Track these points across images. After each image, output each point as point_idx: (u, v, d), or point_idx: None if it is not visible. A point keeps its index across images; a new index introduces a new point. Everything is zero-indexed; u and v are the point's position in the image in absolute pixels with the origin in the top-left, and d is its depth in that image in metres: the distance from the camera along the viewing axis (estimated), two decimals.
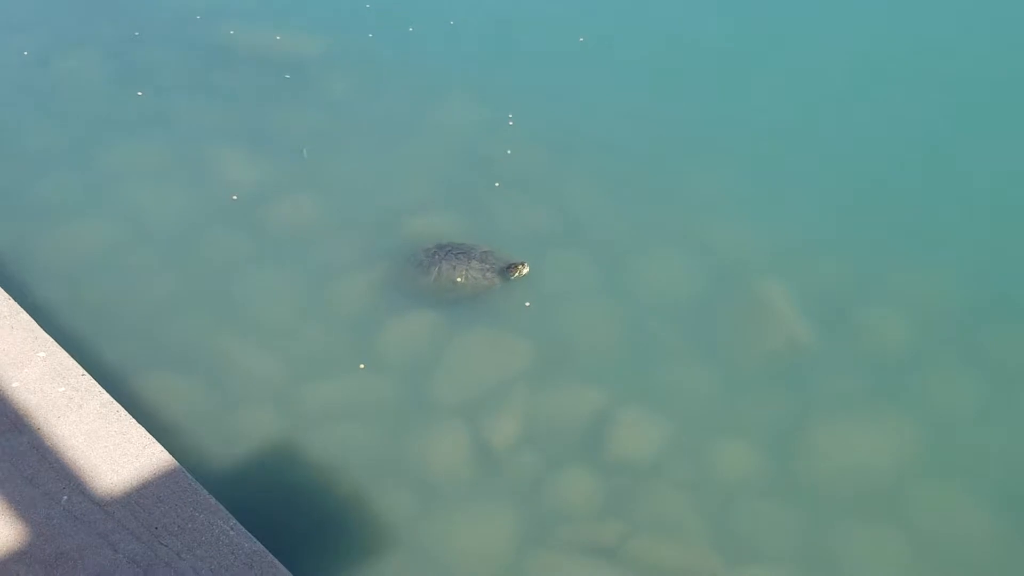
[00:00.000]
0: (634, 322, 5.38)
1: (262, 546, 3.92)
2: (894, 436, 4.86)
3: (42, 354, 4.58)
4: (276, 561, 3.89)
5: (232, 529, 3.95)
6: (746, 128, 6.67)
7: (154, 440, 4.26)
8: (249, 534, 3.95)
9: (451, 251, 5.51)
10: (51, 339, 4.68)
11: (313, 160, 6.32)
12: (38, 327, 4.73)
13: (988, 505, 4.61)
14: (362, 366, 5.14)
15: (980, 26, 7.64)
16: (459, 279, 5.38)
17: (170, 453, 4.23)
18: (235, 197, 6.01)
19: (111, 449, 4.20)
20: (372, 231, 5.84)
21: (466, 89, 6.95)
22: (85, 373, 4.52)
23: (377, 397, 5.02)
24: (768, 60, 7.30)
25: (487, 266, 5.45)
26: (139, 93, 6.78)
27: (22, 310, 4.83)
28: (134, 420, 4.33)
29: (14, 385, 4.43)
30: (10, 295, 4.93)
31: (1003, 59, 7.30)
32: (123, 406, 4.40)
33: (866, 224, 5.94)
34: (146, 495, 4.05)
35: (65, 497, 4.02)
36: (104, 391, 4.45)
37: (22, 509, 3.96)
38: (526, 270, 5.48)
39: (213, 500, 4.05)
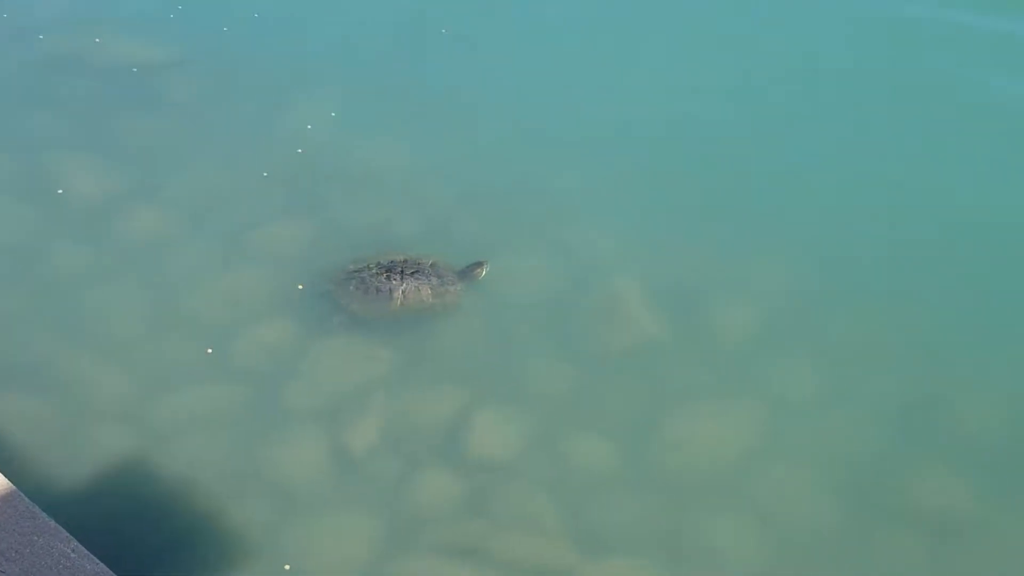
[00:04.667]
0: (492, 322, 5.43)
1: (105, 567, 3.78)
2: (742, 424, 5.03)
3: None
4: None
5: (73, 551, 3.80)
6: (596, 125, 6.79)
7: None
8: (91, 555, 3.80)
9: (404, 271, 5.37)
10: None
11: (158, 169, 6.13)
12: None
13: (829, 487, 4.80)
14: (209, 351, 5.04)
15: (822, 15, 7.96)
16: (428, 298, 5.29)
17: (6, 477, 4.04)
18: (60, 191, 5.85)
19: None
20: (222, 240, 5.72)
21: (313, 89, 6.90)
22: None
23: (231, 407, 4.91)
24: (619, 58, 7.47)
25: (447, 278, 5.38)
26: None
27: None
28: None
29: None
30: None
31: (844, 52, 7.63)
32: None
33: (713, 219, 6.12)
34: None
35: None
36: None
37: None
38: (487, 268, 5.50)
39: (52, 523, 3.88)
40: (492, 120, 6.76)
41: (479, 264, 5.58)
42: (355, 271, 5.43)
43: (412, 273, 5.38)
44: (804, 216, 6.19)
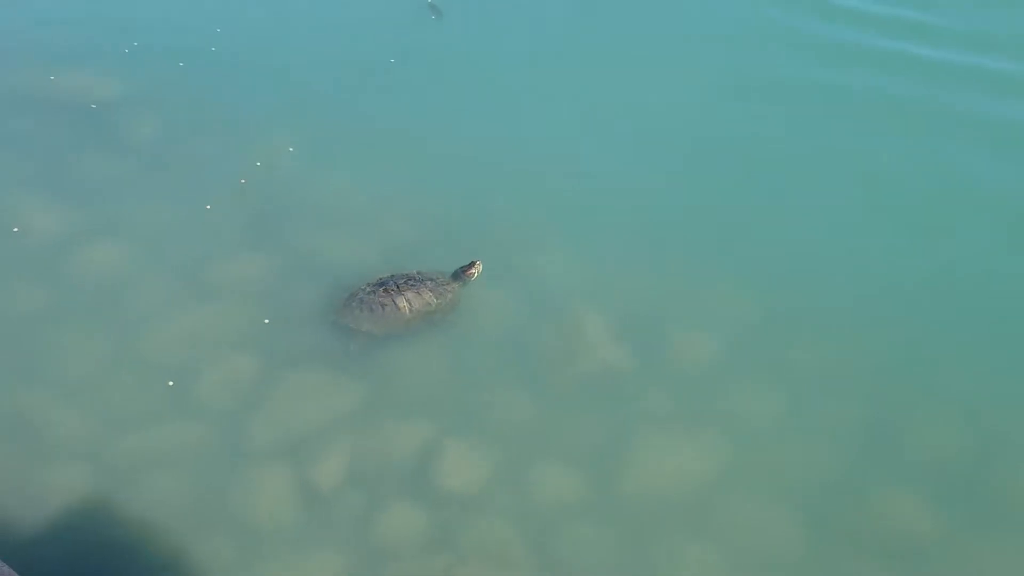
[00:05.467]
0: (456, 353, 5.43)
1: None
2: (705, 451, 5.05)
3: None
4: None
5: None
6: (557, 156, 6.82)
7: None
8: None
9: (398, 283, 5.44)
10: None
11: (117, 206, 6.09)
12: None
13: (792, 512, 4.83)
14: (171, 383, 5.01)
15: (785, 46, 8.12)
16: (433, 300, 5.36)
17: None
18: (16, 229, 5.80)
19: None
20: (184, 276, 5.67)
21: (271, 124, 6.90)
22: None
23: (195, 445, 4.85)
24: (578, 88, 7.53)
25: (439, 280, 5.47)
26: None
27: None
28: None
29: None
30: None
31: (812, 77, 7.77)
32: None
33: (674, 249, 6.17)
34: None
35: None
36: None
37: None
38: (480, 267, 5.62)
39: (7, 567, 3.80)
40: (451, 151, 6.78)
41: (472, 264, 5.65)
42: (351, 296, 5.46)
43: (406, 281, 5.45)
44: (764, 245, 6.24)
